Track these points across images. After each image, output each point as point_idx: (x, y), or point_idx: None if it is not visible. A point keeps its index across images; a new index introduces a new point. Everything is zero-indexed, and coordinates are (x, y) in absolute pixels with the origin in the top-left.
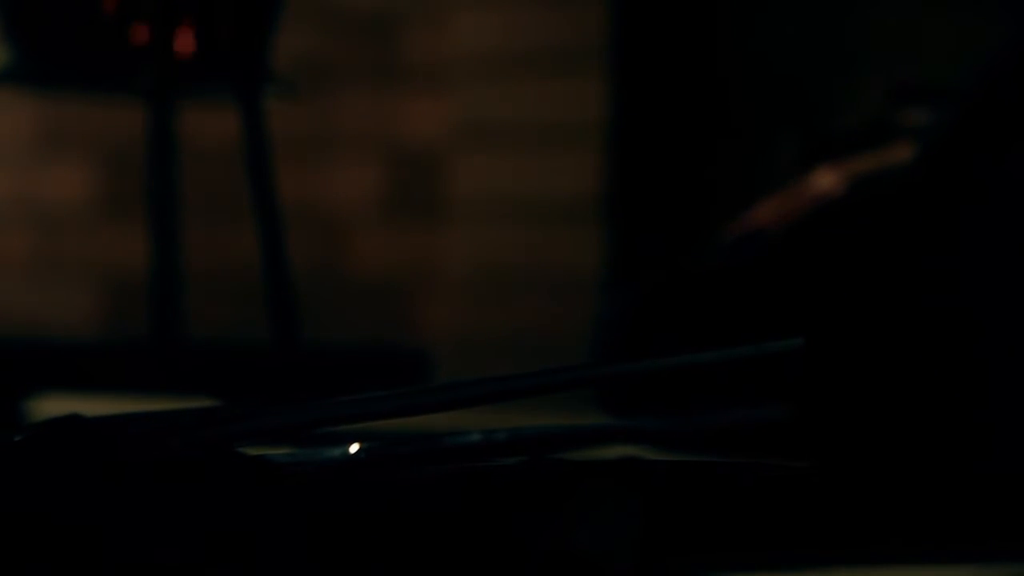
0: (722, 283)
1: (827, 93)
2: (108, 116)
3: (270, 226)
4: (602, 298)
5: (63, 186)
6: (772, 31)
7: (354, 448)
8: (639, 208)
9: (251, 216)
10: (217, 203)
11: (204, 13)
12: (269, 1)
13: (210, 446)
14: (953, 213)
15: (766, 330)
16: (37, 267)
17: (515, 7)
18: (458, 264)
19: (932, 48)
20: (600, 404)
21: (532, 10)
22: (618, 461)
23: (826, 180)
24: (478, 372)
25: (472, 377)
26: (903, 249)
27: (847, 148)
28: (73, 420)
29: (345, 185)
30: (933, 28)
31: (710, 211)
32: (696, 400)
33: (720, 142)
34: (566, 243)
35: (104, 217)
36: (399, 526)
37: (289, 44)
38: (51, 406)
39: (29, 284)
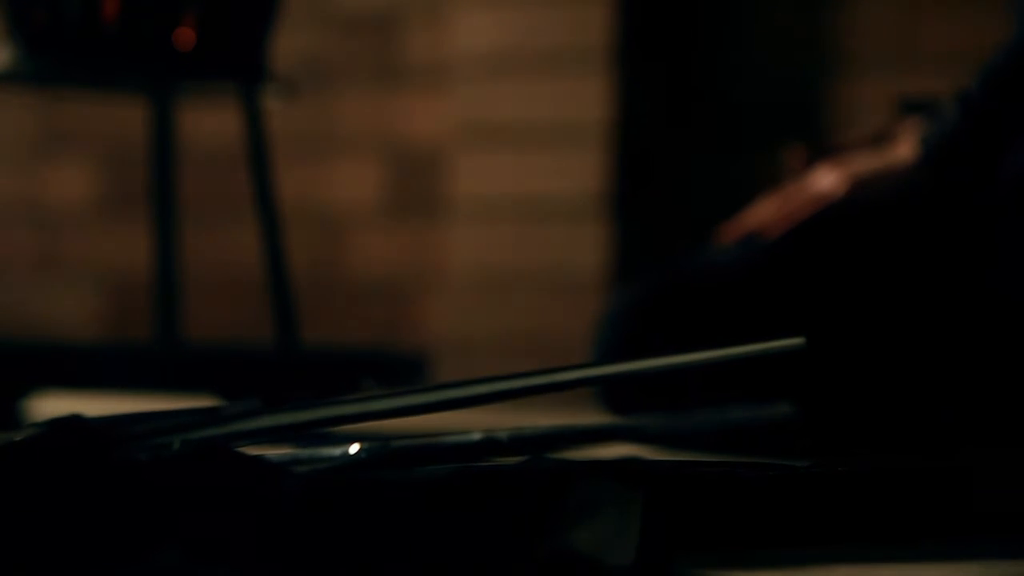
0: (724, 283)
1: (827, 94)
2: (109, 116)
3: (270, 226)
4: (608, 298)
5: (64, 186)
6: (775, 32)
7: (354, 448)
8: (642, 207)
9: (251, 216)
10: (217, 203)
11: (204, 13)
12: (268, 1)
13: (210, 448)
14: (954, 213)
15: (767, 330)
16: (38, 267)
17: (517, 6)
18: (458, 264)
19: (931, 51)
20: (601, 404)
21: (534, 9)
22: (619, 460)
23: (826, 180)
24: (478, 372)
25: (472, 377)
26: (904, 249)
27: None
28: (74, 420)
29: (345, 185)
30: (932, 32)
31: (712, 211)
32: (696, 400)
33: (722, 141)
34: (566, 243)
35: (105, 217)
36: (399, 525)
37: (290, 44)
38: (51, 406)
39: (30, 284)
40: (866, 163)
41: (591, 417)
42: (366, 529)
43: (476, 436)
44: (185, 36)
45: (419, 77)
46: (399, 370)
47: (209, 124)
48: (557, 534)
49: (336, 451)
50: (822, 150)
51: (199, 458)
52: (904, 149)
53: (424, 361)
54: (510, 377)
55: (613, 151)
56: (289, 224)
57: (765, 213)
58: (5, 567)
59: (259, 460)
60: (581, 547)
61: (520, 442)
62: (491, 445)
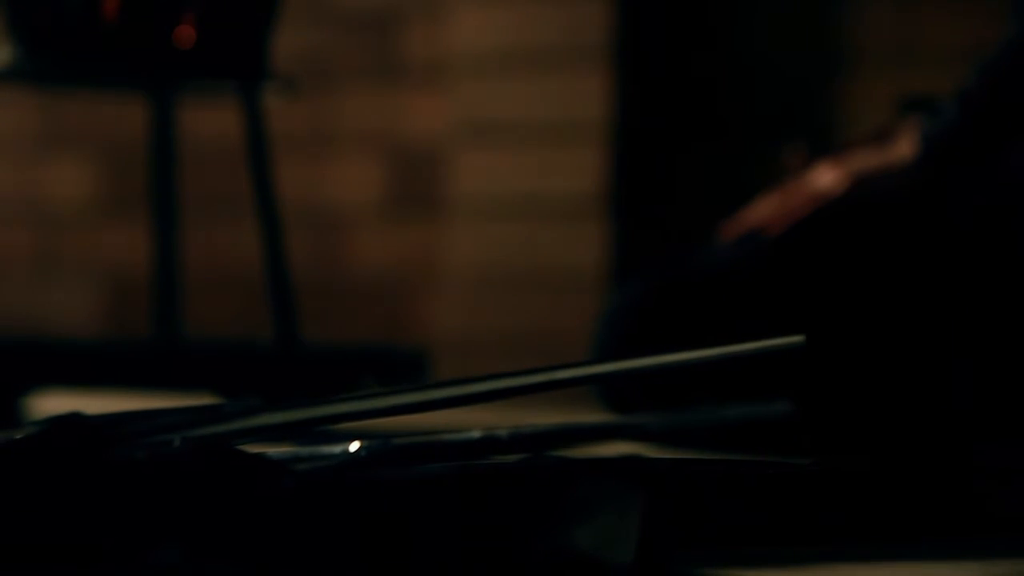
0: (723, 281)
1: (828, 93)
2: (109, 115)
3: (270, 226)
4: (607, 296)
5: (64, 185)
6: (774, 31)
7: (354, 447)
8: (641, 206)
9: (251, 216)
10: (217, 202)
11: (204, 12)
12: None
13: (210, 445)
14: (954, 211)
15: (766, 328)
16: (38, 266)
17: (516, 5)
18: (458, 262)
19: (933, 49)
20: (601, 402)
21: (533, 7)
22: (619, 459)
23: (826, 178)
24: (478, 370)
25: (472, 375)
26: (904, 246)
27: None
28: (74, 418)
29: (346, 183)
30: (934, 30)
31: (712, 209)
32: (696, 398)
33: (722, 140)
34: (567, 241)
35: (105, 216)
36: (399, 524)
37: (290, 42)
38: (51, 404)
39: (30, 283)
40: (866, 161)
41: (591, 415)
42: (366, 527)
43: (476, 434)
44: (185, 35)
45: (419, 75)
46: (399, 368)
47: (209, 124)
48: (557, 533)
49: (336, 449)
50: (823, 148)
51: (199, 456)
52: (904, 147)
53: (424, 359)
54: (510, 375)
55: (612, 149)
56: (289, 222)
57: (765, 211)
58: (5, 565)
59: (259, 458)
60: (581, 546)
61: (520, 440)
62: (491, 443)
